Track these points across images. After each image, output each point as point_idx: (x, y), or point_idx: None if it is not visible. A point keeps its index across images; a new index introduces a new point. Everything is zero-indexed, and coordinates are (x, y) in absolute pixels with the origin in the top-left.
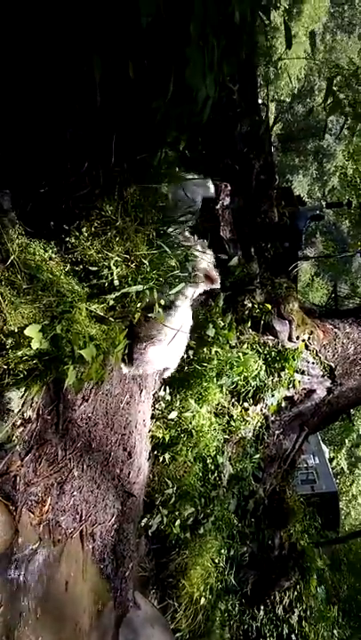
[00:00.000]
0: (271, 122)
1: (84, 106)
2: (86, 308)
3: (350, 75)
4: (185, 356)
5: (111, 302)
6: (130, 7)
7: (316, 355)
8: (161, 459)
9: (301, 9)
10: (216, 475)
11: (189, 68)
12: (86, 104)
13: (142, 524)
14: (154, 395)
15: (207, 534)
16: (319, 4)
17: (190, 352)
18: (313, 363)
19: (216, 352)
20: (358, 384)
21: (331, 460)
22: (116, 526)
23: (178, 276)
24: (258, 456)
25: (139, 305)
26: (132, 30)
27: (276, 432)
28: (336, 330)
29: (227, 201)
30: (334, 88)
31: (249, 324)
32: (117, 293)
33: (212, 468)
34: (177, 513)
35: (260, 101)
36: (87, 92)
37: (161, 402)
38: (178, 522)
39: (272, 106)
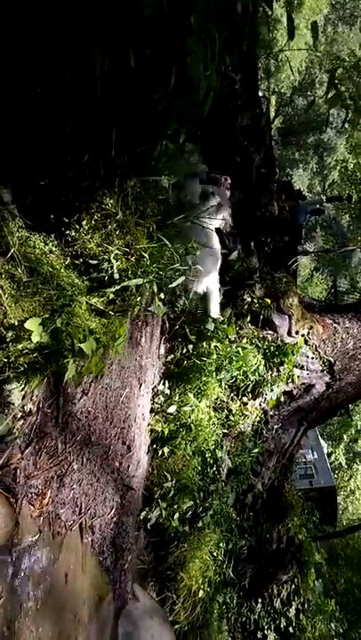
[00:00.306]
0: (272, 115)
1: (84, 97)
2: (86, 302)
3: (351, 67)
4: (184, 350)
5: (111, 296)
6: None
7: (316, 349)
8: (160, 452)
9: (302, 0)
10: (215, 469)
11: (191, 58)
12: (87, 95)
13: (141, 517)
14: (153, 388)
15: (206, 528)
16: None
17: (190, 346)
18: (312, 357)
19: (215, 346)
20: (357, 379)
21: (329, 454)
22: (115, 519)
23: (178, 270)
24: (257, 450)
25: (139, 298)
26: (134, 20)
27: (275, 427)
28: (336, 325)
29: (227, 194)
30: (335, 81)
31: (248, 319)
32: (117, 287)
33: (211, 462)
34: (176, 506)
35: (260, 94)
36: (88, 83)
37: (160, 396)
38: (177, 515)
39: (272, 99)
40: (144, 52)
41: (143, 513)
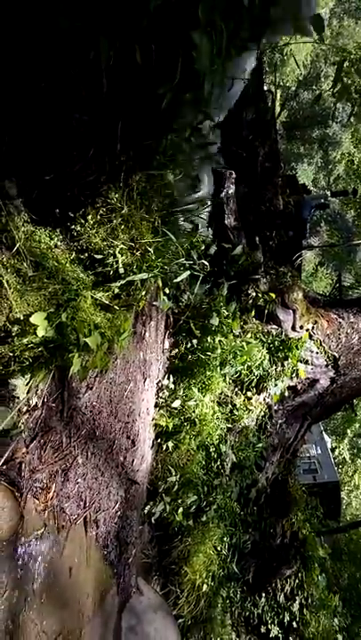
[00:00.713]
0: (277, 109)
1: (90, 91)
2: (91, 296)
3: (358, 60)
4: (189, 345)
5: (116, 290)
6: None
7: (320, 344)
8: (164, 447)
9: None
10: (219, 463)
11: (197, 52)
12: (93, 89)
13: (145, 511)
14: (157, 383)
15: (210, 522)
16: None
17: (194, 341)
18: (317, 352)
19: (220, 341)
20: None
21: (333, 449)
22: (119, 513)
23: (183, 264)
24: (261, 445)
25: (144, 293)
26: (140, 14)
27: (279, 421)
28: (340, 319)
29: (232, 189)
30: (341, 74)
31: (253, 314)
32: (122, 281)
33: (215, 456)
34: (180, 501)
35: (265, 88)
36: (93, 78)
37: (164, 390)
38: (181, 509)
39: (277, 93)
40: (150, 46)
41: (147, 507)
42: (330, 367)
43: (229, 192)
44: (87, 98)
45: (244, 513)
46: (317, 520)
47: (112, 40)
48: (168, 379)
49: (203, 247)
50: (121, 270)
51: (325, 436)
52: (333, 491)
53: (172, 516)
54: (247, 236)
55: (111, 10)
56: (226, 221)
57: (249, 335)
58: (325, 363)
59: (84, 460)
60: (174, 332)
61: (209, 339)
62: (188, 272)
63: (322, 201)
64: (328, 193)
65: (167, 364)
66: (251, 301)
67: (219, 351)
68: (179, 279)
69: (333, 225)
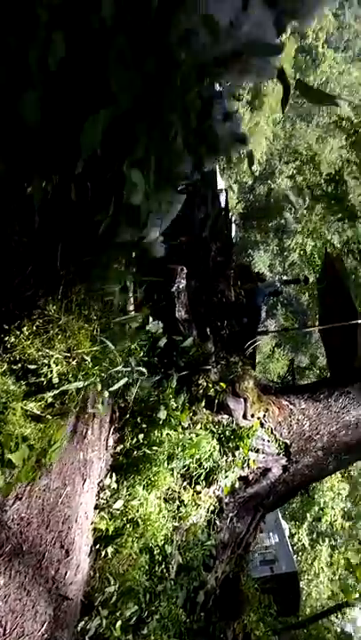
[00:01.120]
0: (233, 203)
1: (22, 226)
2: (21, 408)
3: (308, 160)
4: (134, 440)
5: (50, 399)
6: (72, 142)
7: (272, 432)
8: (103, 553)
9: (263, 101)
10: (163, 566)
11: (128, 190)
12: (25, 224)
13: (79, 628)
14: (99, 483)
15: (151, 634)
16: (280, 97)
17: (140, 435)
18: (268, 440)
19: (167, 434)
20: (314, 461)
21: (292, 535)
22: (46, 635)
23: (120, 371)
24: (210, 543)
25: (81, 397)
26: (74, 159)
27: (230, 515)
28: (292, 406)
29: (182, 284)
30: (294, 171)
31: (203, 404)
32: (56, 391)
33: (160, 559)
34: (118, 613)
35: (221, 186)
36: (28, 213)
37: (106, 490)
38: (119, 623)
39: (235, 187)
40: (85, 184)
41: (81, 623)
42: (281, 455)
43: (180, 287)
44: (21, 229)
45: (190, 620)
46: (273, 618)
47: (47, 180)
48: (111, 477)
49: (141, 354)
50: (55, 380)
51: (283, 523)
52: (291, 582)
53: (108, 632)
54: (198, 328)
55: (46, 158)
56: (177, 314)
57: (199, 426)
58: (277, 451)
59: (7, 580)
60: (120, 427)
61: (156, 432)
62: (126, 379)
63: (276, 286)
64: (281, 280)
65: (110, 461)
66: (201, 391)
67: (166, 445)
68: (115, 387)
69: (290, 308)
